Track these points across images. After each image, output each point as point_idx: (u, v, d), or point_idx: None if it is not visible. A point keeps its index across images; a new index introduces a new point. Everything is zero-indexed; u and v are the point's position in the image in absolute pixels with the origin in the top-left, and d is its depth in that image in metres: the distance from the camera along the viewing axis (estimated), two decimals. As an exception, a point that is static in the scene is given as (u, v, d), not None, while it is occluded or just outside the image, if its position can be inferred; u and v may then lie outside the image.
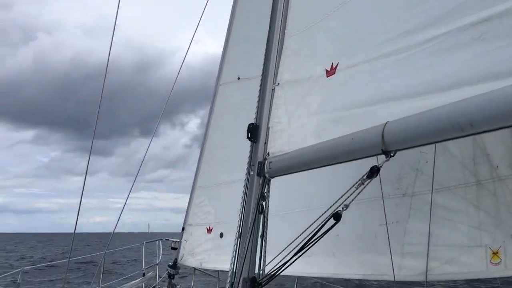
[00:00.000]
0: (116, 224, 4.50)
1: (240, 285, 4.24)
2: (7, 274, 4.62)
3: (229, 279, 4.40)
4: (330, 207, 3.43)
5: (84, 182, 3.78)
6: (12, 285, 4.09)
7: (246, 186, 4.53)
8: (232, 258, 4.43)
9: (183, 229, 7.46)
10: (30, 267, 4.84)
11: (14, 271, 4.29)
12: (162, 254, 7.76)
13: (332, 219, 3.37)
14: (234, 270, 4.37)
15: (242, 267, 4.24)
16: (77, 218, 3.63)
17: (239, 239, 4.44)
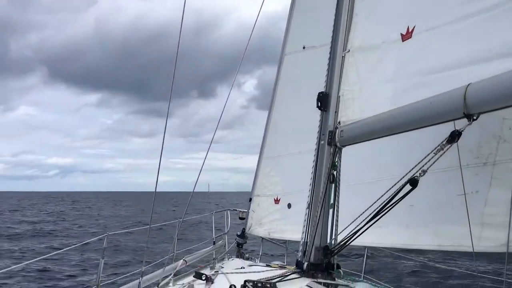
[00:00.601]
0: (195, 185, 4.63)
1: (312, 253, 4.27)
2: (94, 239, 4.95)
3: (300, 248, 4.43)
4: (407, 173, 3.35)
5: (163, 144, 3.90)
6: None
7: (316, 155, 4.51)
8: (304, 227, 4.46)
9: (250, 199, 7.59)
10: (114, 232, 5.14)
11: (100, 236, 4.56)
12: (230, 224, 7.94)
13: (408, 185, 3.30)
14: (306, 239, 4.40)
15: (314, 236, 4.25)
16: (157, 179, 3.76)
17: (310, 209, 4.45)
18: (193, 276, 4.47)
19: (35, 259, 4.20)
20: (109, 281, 4.92)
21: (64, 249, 4.58)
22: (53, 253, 4.21)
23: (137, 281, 4.13)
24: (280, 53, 7.24)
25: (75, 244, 4.75)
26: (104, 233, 4.37)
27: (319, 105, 4.47)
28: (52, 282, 13.24)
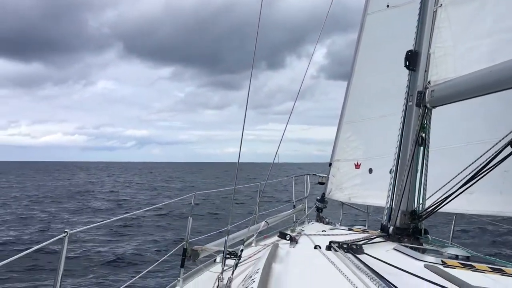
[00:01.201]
0: (276, 155, 4.65)
1: (398, 218, 4.17)
2: (183, 197, 5.17)
3: (385, 212, 4.34)
4: (507, 135, 3.12)
5: (245, 117, 3.92)
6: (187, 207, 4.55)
7: (403, 118, 4.33)
8: (389, 191, 4.35)
9: (330, 164, 7.52)
10: (202, 191, 5.37)
11: (188, 195, 4.74)
12: (309, 188, 7.95)
13: (508, 148, 3.08)
14: (391, 204, 4.29)
15: (401, 200, 4.14)
16: (240, 149, 3.81)
17: (396, 173, 4.32)
18: (278, 236, 4.54)
19: (136, 213, 4.46)
20: (197, 238, 5.14)
21: (154, 206, 4.83)
22: (151, 208, 4.45)
23: (223, 239, 4.27)
24: (362, 13, 6.96)
25: (164, 203, 4.99)
26: (192, 192, 4.54)
27: (407, 64, 4.25)
28: (145, 237, 14.19)
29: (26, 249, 2.19)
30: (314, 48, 6.24)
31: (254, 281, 2.26)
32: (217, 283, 3.87)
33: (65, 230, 2.26)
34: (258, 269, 2.56)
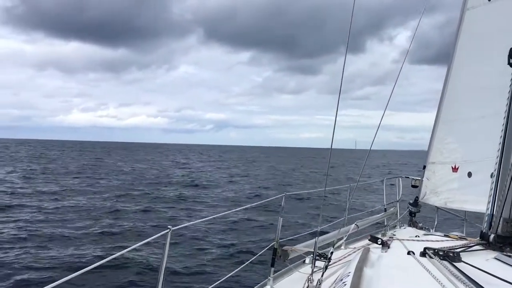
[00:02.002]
0: (371, 144, 4.57)
1: (499, 225, 3.93)
2: (272, 198, 5.27)
3: (486, 219, 4.10)
4: None
5: (339, 98, 3.90)
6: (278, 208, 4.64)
7: (506, 118, 4.07)
8: (489, 197, 4.10)
9: (424, 167, 7.22)
10: (292, 193, 5.45)
11: (277, 196, 4.84)
12: (401, 192, 7.71)
13: None
14: (492, 211, 4.05)
15: (503, 206, 3.89)
16: (332, 136, 3.79)
17: (498, 177, 4.07)
18: (368, 240, 4.48)
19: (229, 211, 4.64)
20: (287, 239, 5.22)
21: (248, 206, 4.99)
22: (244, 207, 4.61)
23: (313, 240, 4.29)
24: (461, 8, 6.61)
25: (256, 203, 5.13)
26: (282, 193, 4.62)
27: (511, 62, 3.98)
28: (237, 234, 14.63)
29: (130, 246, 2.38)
30: (416, 29, 6.03)
31: (345, 284, 2.26)
32: (307, 284, 3.91)
33: (168, 227, 2.42)
34: (349, 272, 2.56)
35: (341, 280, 2.49)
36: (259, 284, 4.47)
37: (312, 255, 4.38)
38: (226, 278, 4.18)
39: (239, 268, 4.71)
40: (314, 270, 4.08)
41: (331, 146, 3.53)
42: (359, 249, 4.23)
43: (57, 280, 1.83)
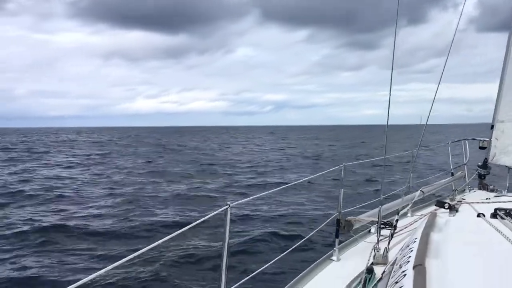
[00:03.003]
0: (428, 117, 4.40)
1: None
2: (332, 169, 5.22)
3: None
4: None
5: (392, 73, 3.76)
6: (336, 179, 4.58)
7: None
8: None
9: (492, 126, 6.85)
10: (351, 163, 5.35)
11: (336, 167, 4.78)
12: (469, 154, 7.37)
13: None
14: None
15: None
16: (388, 112, 3.68)
17: None
18: (435, 205, 4.34)
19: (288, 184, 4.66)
20: (349, 209, 5.16)
21: (306, 178, 4.97)
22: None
23: (376, 209, 4.21)
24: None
25: (315, 175, 5.09)
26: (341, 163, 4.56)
27: None
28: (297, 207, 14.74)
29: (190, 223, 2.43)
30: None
31: (412, 250, 2.20)
32: (373, 253, 3.86)
33: (227, 203, 2.46)
34: (416, 238, 2.48)
35: (408, 246, 2.42)
36: (324, 256, 4.46)
37: (376, 224, 4.30)
38: (290, 251, 4.20)
39: (302, 240, 4.71)
40: (380, 239, 4.02)
41: (388, 109, 3.41)
42: (425, 215, 4.10)
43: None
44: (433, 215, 3.41)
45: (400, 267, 2.05)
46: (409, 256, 2.11)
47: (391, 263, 2.52)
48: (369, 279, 3.22)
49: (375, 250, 3.89)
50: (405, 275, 1.85)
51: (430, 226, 2.82)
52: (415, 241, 2.39)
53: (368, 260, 3.61)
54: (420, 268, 1.82)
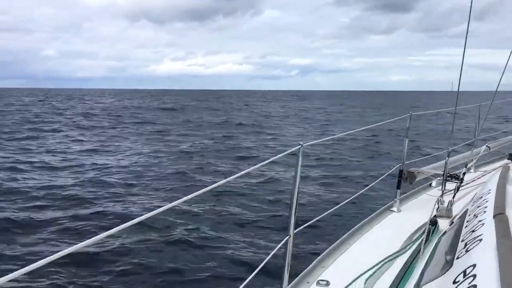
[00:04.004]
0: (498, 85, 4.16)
1: None
2: (398, 118, 5.12)
3: None
4: None
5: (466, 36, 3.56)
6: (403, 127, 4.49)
7: None
8: None
9: None
10: (418, 113, 5.17)
11: (403, 116, 4.67)
12: None
13: None
14: None
15: None
16: (460, 76, 3.52)
17: None
18: (507, 159, 4.20)
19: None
20: (413, 161, 5.08)
21: (369, 126, 4.89)
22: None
23: (441, 162, 4.13)
24: None
25: (379, 123, 5.02)
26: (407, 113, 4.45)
27: None
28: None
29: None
30: None
31: (487, 201, 2.16)
32: (436, 206, 3.82)
33: (299, 143, 2.49)
34: (490, 189, 2.42)
35: (481, 197, 2.37)
36: (384, 206, 4.46)
37: (439, 178, 4.23)
38: (351, 199, 4.22)
39: (364, 190, 4.72)
40: (444, 192, 3.96)
41: (460, 77, 3.26)
42: (495, 169, 3.98)
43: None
44: (506, 168, 3.30)
45: (476, 216, 2.02)
46: (486, 207, 2.08)
47: (459, 215, 2.49)
48: (433, 231, 3.21)
49: (439, 203, 3.85)
50: (483, 224, 1.83)
51: (504, 177, 2.74)
52: (489, 192, 2.34)
53: (432, 212, 3.59)
54: (501, 216, 1.79)
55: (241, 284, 2.24)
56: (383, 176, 4.77)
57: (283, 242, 2.51)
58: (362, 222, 3.98)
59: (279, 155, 2.58)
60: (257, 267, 2.40)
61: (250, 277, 2.31)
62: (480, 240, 1.65)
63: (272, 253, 2.48)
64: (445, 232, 2.48)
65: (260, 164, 2.40)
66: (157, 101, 79.25)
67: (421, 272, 2.00)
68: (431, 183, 5.20)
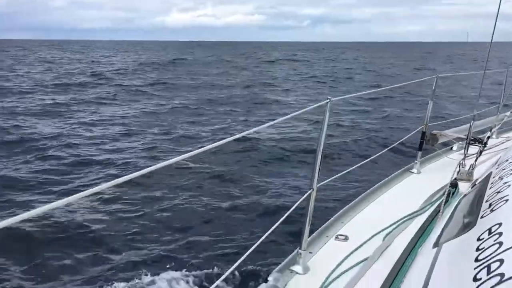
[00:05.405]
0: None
1: None
2: (423, 79, 5.04)
3: None
4: None
5: None
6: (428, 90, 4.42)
7: None
8: None
9: None
10: (445, 74, 5.05)
11: (428, 77, 4.59)
12: None
13: None
14: None
15: None
16: (495, 24, 3.42)
17: None
18: None
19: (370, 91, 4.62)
20: (436, 123, 5.04)
21: (396, 86, 4.82)
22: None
23: (465, 126, 4.10)
24: None
25: (405, 83, 4.96)
26: (434, 75, 4.37)
27: None
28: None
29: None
30: None
31: None
32: (458, 169, 3.83)
33: (328, 97, 2.49)
34: None
35: (507, 160, 2.36)
36: (405, 167, 4.48)
37: (461, 142, 4.20)
38: (374, 158, 4.24)
39: (385, 150, 4.71)
40: (466, 155, 3.96)
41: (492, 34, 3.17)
42: None
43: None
44: None
45: (501, 179, 2.03)
46: (511, 169, 2.08)
47: (482, 178, 2.50)
48: (453, 193, 3.23)
49: (460, 166, 3.85)
50: (509, 185, 1.84)
51: None
52: None
53: (452, 175, 3.60)
54: None
55: (264, 234, 2.30)
56: (406, 137, 4.75)
57: (306, 195, 2.55)
58: (382, 181, 4.01)
59: (307, 108, 2.59)
60: (280, 218, 2.46)
61: (273, 227, 2.37)
62: (507, 200, 1.67)
63: (295, 205, 2.53)
64: (465, 195, 2.51)
65: (289, 116, 2.43)
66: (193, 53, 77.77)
67: (441, 231, 2.04)
68: (452, 147, 5.17)
